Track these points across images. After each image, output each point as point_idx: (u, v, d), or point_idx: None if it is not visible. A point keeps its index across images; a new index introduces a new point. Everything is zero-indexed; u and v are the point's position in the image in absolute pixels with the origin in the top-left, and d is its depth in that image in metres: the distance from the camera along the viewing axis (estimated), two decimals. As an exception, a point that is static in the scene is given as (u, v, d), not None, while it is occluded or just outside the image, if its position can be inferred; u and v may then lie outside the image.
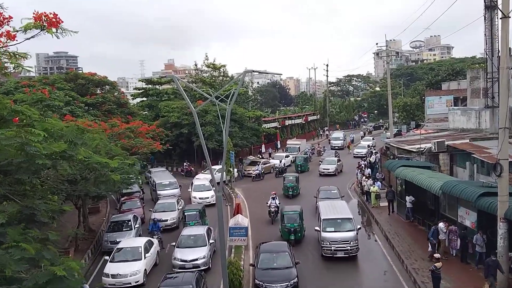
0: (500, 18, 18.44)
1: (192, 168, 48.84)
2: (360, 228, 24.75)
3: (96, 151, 21.61)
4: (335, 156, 50.94)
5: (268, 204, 30.77)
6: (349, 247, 23.25)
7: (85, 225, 29.01)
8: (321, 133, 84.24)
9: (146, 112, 59.79)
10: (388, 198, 31.88)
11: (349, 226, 24.13)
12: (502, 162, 18.05)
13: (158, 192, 36.78)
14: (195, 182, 38.14)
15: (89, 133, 23.90)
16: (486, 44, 33.40)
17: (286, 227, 26.05)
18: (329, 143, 70.24)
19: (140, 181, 37.14)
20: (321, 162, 48.35)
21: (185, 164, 49.82)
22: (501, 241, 18.35)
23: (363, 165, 41.46)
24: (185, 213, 28.52)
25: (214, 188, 32.99)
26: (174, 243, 23.93)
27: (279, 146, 65.54)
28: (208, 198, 35.72)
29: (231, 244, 24.68)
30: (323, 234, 23.80)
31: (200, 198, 35.62)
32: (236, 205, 30.48)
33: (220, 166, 43.01)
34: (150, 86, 62.89)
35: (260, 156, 56.68)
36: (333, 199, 30.67)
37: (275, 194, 31.64)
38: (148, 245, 23.41)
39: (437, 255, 19.13)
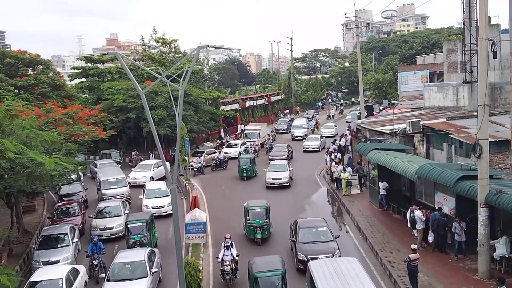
0: (478, -16, 18.76)
1: (142, 158, 48.23)
2: None
3: (27, 142, 20.86)
4: (287, 151, 46.19)
5: (219, 259, 20.92)
6: None
7: (19, 226, 28.25)
8: (282, 116, 79.97)
9: (86, 95, 58.61)
10: (360, 175, 33.73)
11: None
12: (482, 142, 18.53)
13: (103, 191, 34.30)
14: (147, 187, 33.97)
15: (17, 120, 23.12)
16: (463, 13, 34.09)
17: None
18: (277, 131, 65.68)
19: (81, 173, 36.31)
20: (270, 165, 39.20)
21: (133, 153, 49.12)
22: (481, 228, 18.93)
23: (332, 150, 41.89)
24: (128, 225, 24.81)
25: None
26: (103, 274, 21.05)
27: (229, 132, 62.34)
28: (164, 206, 31.33)
29: (188, 242, 24.60)
30: None
31: (153, 207, 30.93)
32: (192, 198, 30.30)
33: (156, 161, 42.59)
34: (90, 64, 61.27)
35: (221, 142, 56.47)
36: (322, 242, 22.34)
37: (230, 238, 21.48)
38: (72, 276, 20.05)
39: (413, 246, 19.56)
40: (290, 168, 38.43)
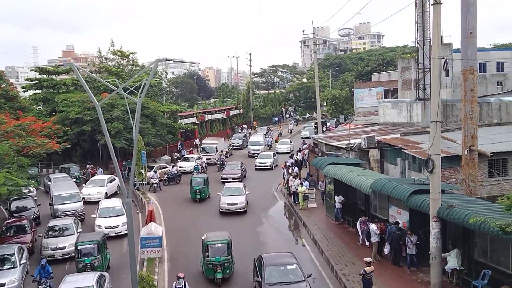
0: (432, 4, 19.35)
1: (96, 171, 47.20)
2: None
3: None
4: (241, 169, 44.29)
5: None
6: None
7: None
8: (239, 131, 78.97)
9: (41, 107, 57.29)
10: (312, 185, 34.76)
11: None
12: (434, 158, 18.97)
13: (55, 206, 32.67)
14: (101, 205, 31.87)
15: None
16: (417, 32, 35.02)
17: None
18: (233, 146, 63.97)
19: (34, 187, 35.18)
20: (224, 188, 35.71)
21: (88, 166, 48.06)
22: (434, 242, 19.27)
23: (289, 164, 42.12)
24: (78, 246, 22.89)
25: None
26: None
27: (183, 147, 60.13)
28: (117, 226, 29.36)
29: (143, 257, 24.15)
30: None
31: (106, 227, 28.89)
32: (148, 212, 29.85)
33: (108, 176, 41.89)
34: (45, 76, 59.91)
35: (179, 156, 55.99)
36: (292, 283, 19.27)
37: (183, 277, 19.16)
38: None
39: (367, 259, 19.76)
40: (247, 192, 35.12)
